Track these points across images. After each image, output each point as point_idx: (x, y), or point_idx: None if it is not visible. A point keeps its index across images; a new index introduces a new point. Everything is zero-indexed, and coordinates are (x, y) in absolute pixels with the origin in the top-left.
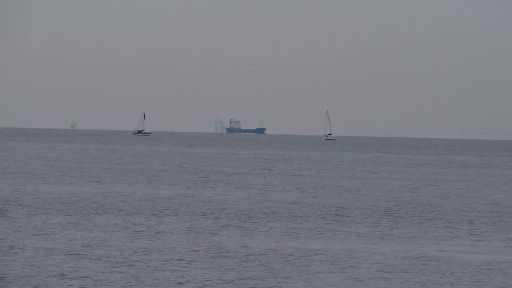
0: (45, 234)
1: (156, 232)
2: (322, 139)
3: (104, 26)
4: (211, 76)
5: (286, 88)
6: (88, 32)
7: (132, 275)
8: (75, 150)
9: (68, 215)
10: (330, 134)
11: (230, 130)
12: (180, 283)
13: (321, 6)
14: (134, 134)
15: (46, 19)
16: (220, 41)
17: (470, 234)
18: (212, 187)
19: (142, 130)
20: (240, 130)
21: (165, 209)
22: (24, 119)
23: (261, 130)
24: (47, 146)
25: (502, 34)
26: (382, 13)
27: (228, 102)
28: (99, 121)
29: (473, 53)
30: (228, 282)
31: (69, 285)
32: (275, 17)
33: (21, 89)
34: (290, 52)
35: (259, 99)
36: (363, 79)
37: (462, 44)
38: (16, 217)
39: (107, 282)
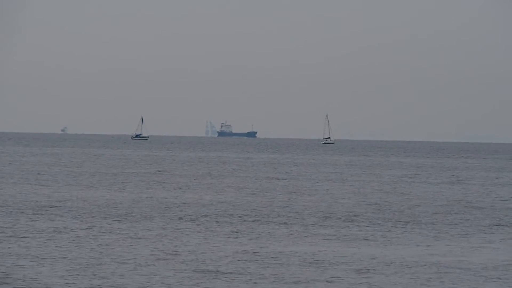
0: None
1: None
2: (321, 143)
3: (97, 31)
4: (202, 80)
5: (278, 91)
6: (82, 37)
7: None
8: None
9: (48, 219)
10: (329, 137)
11: (221, 133)
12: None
13: (311, 9)
14: (132, 138)
15: (41, 24)
16: (211, 44)
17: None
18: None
19: (140, 134)
20: (231, 134)
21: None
22: (15, 124)
23: (252, 134)
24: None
25: (493, 34)
26: (373, 15)
27: (219, 105)
28: (92, 125)
29: (466, 55)
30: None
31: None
32: (268, 20)
33: (16, 94)
34: (281, 54)
35: (250, 103)
36: (357, 81)
37: (456, 45)
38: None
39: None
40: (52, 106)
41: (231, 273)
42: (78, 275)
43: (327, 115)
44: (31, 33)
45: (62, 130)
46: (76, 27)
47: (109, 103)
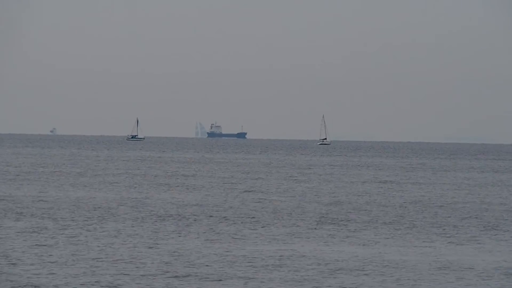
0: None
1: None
2: (317, 144)
3: (89, 31)
4: (192, 81)
5: (269, 92)
6: (78, 38)
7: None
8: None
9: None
10: (325, 138)
11: (211, 134)
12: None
13: (304, 11)
14: (128, 139)
15: (38, 25)
16: (202, 46)
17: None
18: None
19: (135, 135)
20: (221, 135)
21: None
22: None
23: (242, 135)
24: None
25: (487, 38)
26: (367, 19)
27: (209, 106)
28: (81, 126)
29: (459, 57)
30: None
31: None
32: (262, 21)
33: (3, 93)
34: (273, 56)
35: (240, 104)
36: (349, 84)
37: (450, 48)
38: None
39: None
40: (40, 106)
41: (209, 274)
42: (53, 273)
43: (323, 117)
44: (24, 32)
45: (51, 131)
46: (68, 26)
47: (98, 104)
